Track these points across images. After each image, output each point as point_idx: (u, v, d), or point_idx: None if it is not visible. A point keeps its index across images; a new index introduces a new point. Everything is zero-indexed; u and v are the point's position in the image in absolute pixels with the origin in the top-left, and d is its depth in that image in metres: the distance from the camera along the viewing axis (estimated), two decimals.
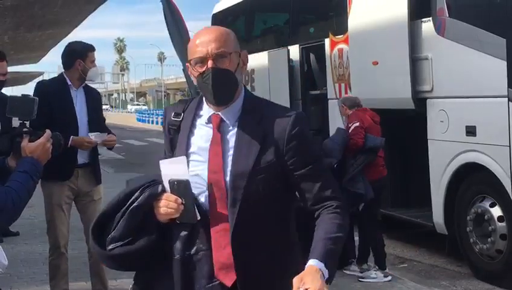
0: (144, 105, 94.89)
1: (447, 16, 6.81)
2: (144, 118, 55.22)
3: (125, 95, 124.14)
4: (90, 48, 5.03)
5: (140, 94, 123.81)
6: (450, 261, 7.29)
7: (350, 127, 6.51)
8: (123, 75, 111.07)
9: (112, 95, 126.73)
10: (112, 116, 63.70)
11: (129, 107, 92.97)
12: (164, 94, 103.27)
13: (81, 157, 4.94)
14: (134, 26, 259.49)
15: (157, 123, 48.63)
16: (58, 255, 4.95)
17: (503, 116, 5.82)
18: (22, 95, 2.84)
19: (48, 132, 2.70)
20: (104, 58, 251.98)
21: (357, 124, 6.45)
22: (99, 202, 5.23)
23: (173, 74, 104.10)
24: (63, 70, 5.06)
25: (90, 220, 5.14)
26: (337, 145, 6.41)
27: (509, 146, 5.76)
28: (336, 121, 8.91)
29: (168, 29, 9.46)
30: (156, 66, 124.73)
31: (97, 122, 5.08)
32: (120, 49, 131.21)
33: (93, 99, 5.12)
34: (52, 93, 4.82)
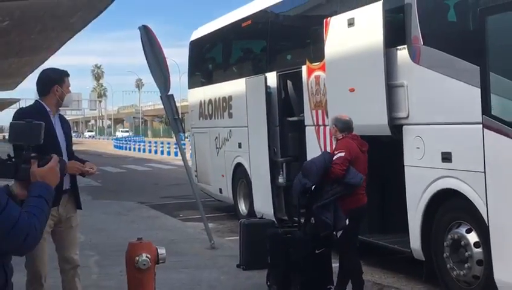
0: (127, 132, 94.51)
1: (422, 43, 6.91)
2: (121, 145, 55.01)
3: (102, 121, 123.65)
4: (66, 73, 5.06)
5: (117, 121, 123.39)
6: (427, 288, 7.30)
7: (336, 154, 6.41)
8: (100, 101, 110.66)
9: (89, 121, 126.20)
10: (88, 143, 63.54)
11: (117, 133, 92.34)
12: (142, 121, 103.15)
13: (64, 183, 4.90)
14: (112, 53, 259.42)
15: (134, 150, 48.48)
16: (38, 287, 4.86)
17: (478, 143, 5.88)
18: (26, 121, 2.84)
19: (55, 156, 2.74)
20: (81, 85, 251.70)
21: (343, 154, 6.31)
22: (77, 229, 5.19)
23: (151, 100, 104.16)
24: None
25: (67, 248, 5.09)
26: (316, 169, 6.37)
27: (484, 172, 5.81)
28: (313, 148, 8.96)
29: (146, 57, 9.47)
30: (133, 92, 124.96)
31: (71, 148, 5.08)
32: (98, 76, 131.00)
33: (68, 126, 5.15)
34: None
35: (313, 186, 6.46)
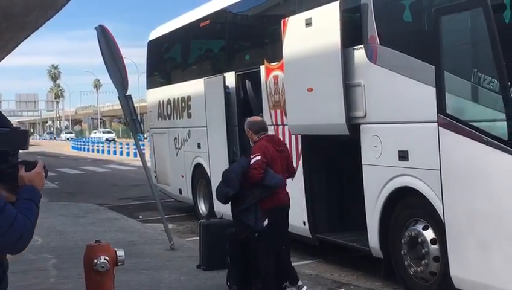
0: (109, 132, 79.42)
1: (378, 43, 6.99)
2: (79, 146, 54.37)
3: (60, 122, 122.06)
4: None
5: (75, 122, 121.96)
6: (386, 285, 7.39)
7: (252, 159, 6.42)
8: (58, 102, 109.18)
9: (46, 122, 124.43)
10: (45, 145, 62.46)
11: (97, 134, 77.20)
12: (100, 121, 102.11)
13: None
14: (69, 53, 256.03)
15: (92, 151, 47.95)
16: None
17: (433, 141, 5.97)
18: (12, 128, 2.88)
19: (40, 161, 2.86)
20: (37, 86, 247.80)
21: (259, 157, 6.35)
22: None
23: (109, 101, 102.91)
24: None
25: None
26: (235, 176, 6.45)
27: (440, 170, 5.90)
28: None
29: (103, 57, 9.38)
30: (91, 93, 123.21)
31: None
32: (54, 77, 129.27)
33: None
34: None
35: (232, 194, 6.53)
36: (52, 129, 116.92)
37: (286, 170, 6.68)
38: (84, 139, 66.12)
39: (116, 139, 62.93)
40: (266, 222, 6.51)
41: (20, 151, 2.86)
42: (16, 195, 2.74)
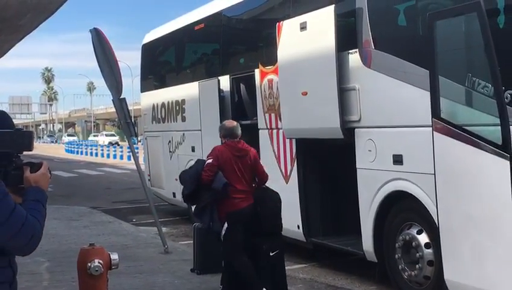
0: (112, 135, 72.81)
1: (373, 47, 7.00)
2: (72, 149, 54.23)
3: (53, 125, 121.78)
4: None
5: (69, 125, 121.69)
6: (380, 289, 7.39)
7: (206, 161, 6.74)
8: (51, 105, 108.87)
9: (40, 125, 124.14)
10: (38, 147, 62.34)
11: (100, 138, 70.29)
12: (94, 124, 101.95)
13: None
14: (62, 56, 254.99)
15: (86, 154, 47.83)
16: None
17: (428, 145, 5.97)
18: (15, 129, 2.89)
19: (45, 162, 2.88)
20: (31, 89, 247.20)
21: (210, 161, 6.64)
22: None
23: (103, 104, 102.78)
24: None
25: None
26: (189, 178, 6.80)
27: (434, 174, 5.91)
28: (266, 151, 8.99)
29: (97, 60, 9.37)
30: (85, 96, 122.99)
31: None
32: (48, 79, 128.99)
33: None
34: None
35: (189, 194, 6.85)
36: (45, 132, 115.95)
37: (249, 176, 6.77)
38: (77, 142, 65.65)
39: (119, 143, 59.23)
40: (226, 225, 6.69)
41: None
42: (22, 196, 2.75)
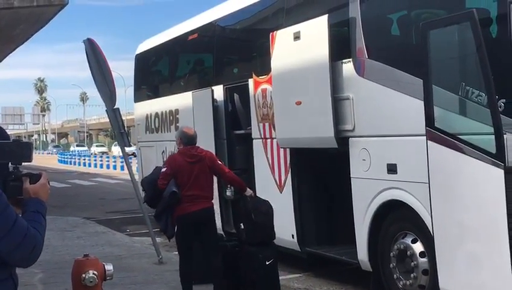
0: (102, 146, 75.14)
1: (366, 57, 7.02)
2: (65, 160, 54.09)
3: (46, 136, 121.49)
4: None
5: (61, 135, 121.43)
6: None
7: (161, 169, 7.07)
8: (44, 115, 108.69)
9: (32, 136, 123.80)
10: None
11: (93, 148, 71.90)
12: (87, 134, 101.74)
13: None
14: (55, 66, 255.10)
15: (79, 164, 47.70)
16: None
17: (422, 154, 5.98)
18: (14, 139, 2.87)
19: (44, 173, 2.85)
20: (24, 99, 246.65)
21: (164, 169, 6.97)
22: None
23: (96, 114, 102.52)
24: None
25: None
26: (147, 184, 7.25)
27: (429, 183, 5.91)
28: (260, 161, 8.99)
29: (91, 70, 9.36)
30: (78, 106, 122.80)
31: None
32: (41, 90, 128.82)
33: None
34: None
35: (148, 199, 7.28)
36: (38, 143, 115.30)
37: (208, 181, 7.05)
38: (70, 153, 65.47)
39: (109, 153, 60.99)
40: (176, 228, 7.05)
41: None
42: (21, 208, 2.73)
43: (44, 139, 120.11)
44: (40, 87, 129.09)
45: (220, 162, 7.38)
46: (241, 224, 7.30)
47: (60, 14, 13.48)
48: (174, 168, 6.93)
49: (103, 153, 58.22)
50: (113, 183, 27.68)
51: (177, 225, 6.98)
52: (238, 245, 7.41)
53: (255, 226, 7.01)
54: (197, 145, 7.16)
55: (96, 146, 77.50)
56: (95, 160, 45.60)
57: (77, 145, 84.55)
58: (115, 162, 40.02)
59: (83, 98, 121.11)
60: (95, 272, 4.54)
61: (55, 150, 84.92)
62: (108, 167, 40.85)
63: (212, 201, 7.24)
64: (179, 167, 6.91)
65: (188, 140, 7.08)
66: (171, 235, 7.14)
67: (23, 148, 2.82)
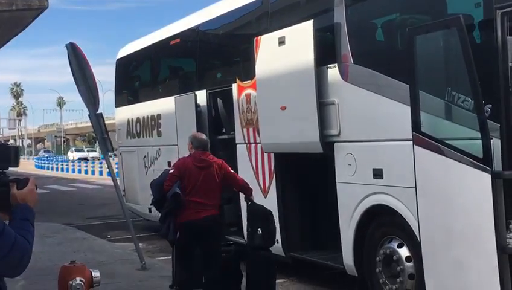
0: (92, 151, 67.58)
1: (351, 62, 7.03)
2: (43, 165, 53.57)
3: (22, 141, 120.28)
4: None
5: (38, 140, 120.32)
6: None
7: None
8: (20, 120, 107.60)
9: (9, 141, 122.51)
10: None
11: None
12: (64, 139, 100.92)
13: None
14: (32, 71, 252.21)
15: (56, 170, 47.27)
16: None
17: (408, 159, 5.99)
18: (1, 143, 2.80)
19: (32, 178, 2.80)
20: None
21: (172, 171, 6.90)
22: None
23: (73, 119, 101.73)
24: None
25: None
26: (154, 187, 7.14)
27: (415, 188, 5.92)
28: (244, 165, 8.96)
29: (74, 75, 9.27)
30: (55, 111, 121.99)
31: None
32: (17, 94, 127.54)
33: None
34: None
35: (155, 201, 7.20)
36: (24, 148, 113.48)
37: (214, 188, 6.90)
38: (48, 157, 64.62)
39: (88, 158, 58.64)
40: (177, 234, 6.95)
41: None
42: (9, 214, 2.68)
43: (21, 145, 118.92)
44: (16, 92, 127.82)
45: (231, 171, 7.23)
46: (259, 229, 7.12)
47: (37, 18, 13.37)
48: (181, 171, 6.84)
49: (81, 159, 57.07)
50: (91, 189, 27.47)
51: (179, 231, 6.86)
52: (241, 250, 7.43)
53: (274, 231, 7.10)
54: (204, 151, 7.01)
55: (76, 151, 69.80)
56: (73, 165, 45.23)
57: (76, 150, 70.66)
58: (93, 167, 39.72)
59: (60, 103, 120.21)
60: (82, 279, 4.47)
61: (46, 156, 72.59)
62: (86, 172, 40.54)
63: (215, 209, 7.00)
64: (186, 170, 6.82)
65: (198, 143, 6.99)
66: (172, 240, 7.04)
67: (9, 152, 2.78)
